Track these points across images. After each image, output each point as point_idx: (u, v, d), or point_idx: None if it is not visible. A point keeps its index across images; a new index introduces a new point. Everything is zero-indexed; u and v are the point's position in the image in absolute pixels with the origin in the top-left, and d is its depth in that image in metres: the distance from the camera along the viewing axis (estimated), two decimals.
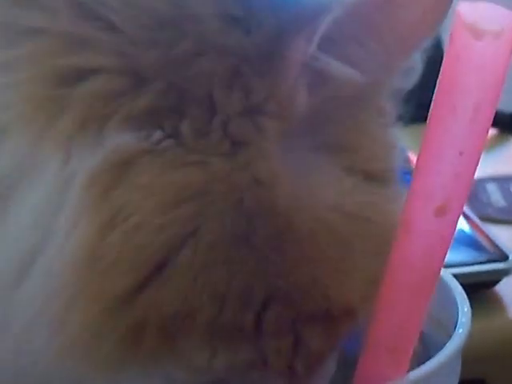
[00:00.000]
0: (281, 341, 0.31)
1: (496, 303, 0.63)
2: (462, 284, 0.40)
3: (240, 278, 0.30)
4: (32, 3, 0.29)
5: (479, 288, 0.62)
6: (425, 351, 0.35)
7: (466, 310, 0.38)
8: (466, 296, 0.39)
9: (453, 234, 0.31)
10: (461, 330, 0.37)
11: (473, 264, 0.62)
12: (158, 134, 0.29)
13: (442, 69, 0.28)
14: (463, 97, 0.27)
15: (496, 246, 0.66)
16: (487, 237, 0.68)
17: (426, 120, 0.29)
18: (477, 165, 0.29)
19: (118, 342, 0.29)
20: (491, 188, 0.84)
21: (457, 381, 0.37)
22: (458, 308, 0.38)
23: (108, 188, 0.28)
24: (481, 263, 0.63)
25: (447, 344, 0.36)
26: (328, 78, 0.30)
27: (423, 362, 0.34)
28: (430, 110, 0.28)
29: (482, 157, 0.29)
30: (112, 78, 0.29)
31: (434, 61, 0.33)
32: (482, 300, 0.61)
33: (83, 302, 0.29)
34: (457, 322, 0.37)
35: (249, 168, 0.29)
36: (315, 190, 0.31)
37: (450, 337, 0.38)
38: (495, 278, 0.63)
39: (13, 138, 0.28)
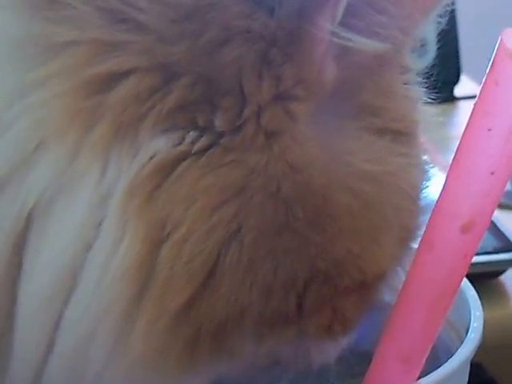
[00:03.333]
0: (319, 316, 0.32)
1: (501, 293, 0.63)
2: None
3: (284, 265, 0.30)
4: (63, 17, 0.28)
5: (484, 278, 0.62)
6: (434, 352, 0.35)
7: (478, 314, 0.38)
8: (479, 300, 0.39)
9: (475, 250, 0.30)
10: (473, 335, 0.36)
11: (478, 254, 0.61)
12: (192, 134, 0.29)
13: (479, 92, 0.28)
14: (500, 120, 0.27)
15: (502, 235, 0.65)
16: (493, 224, 0.66)
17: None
18: (506, 184, 0.29)
19: (178, 355, 0.30)
20: None
21: None
22: (470, 311, 0.38)
23: (149, 198, 0.28)
24: (486, 253, 0.62)
25: (458, 350, 0.35)
26: (350, 49, 0.30)
27: (431, 363, 0.34)
28: (464, 130, 0.28)
29: None
30: (142, 78, 0.28)
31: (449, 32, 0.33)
32: (486, 290, 0.61)
33: (142, 321, 0.29)
34: (469, 325, 0.37)
35: (284, 157, 0.29)
36: (348, 158, 0.31)
37: (460, 339, 0.38)
38: (501, 268, 0.63)
39: (51, 151, 0.28)
